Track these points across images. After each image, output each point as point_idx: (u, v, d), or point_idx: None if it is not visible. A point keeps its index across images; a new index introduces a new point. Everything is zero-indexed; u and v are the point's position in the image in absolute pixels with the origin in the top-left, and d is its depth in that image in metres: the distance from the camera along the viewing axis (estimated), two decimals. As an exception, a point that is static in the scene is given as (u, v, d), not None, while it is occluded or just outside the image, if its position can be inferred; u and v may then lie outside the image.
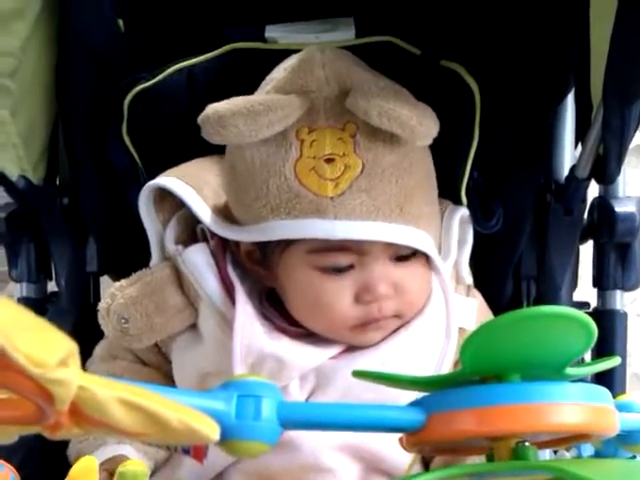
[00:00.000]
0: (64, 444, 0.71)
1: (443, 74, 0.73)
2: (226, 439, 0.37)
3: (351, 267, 0.65)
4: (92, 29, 0.79)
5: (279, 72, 0.68)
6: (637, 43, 0.56)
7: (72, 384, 0.31)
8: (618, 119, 0.61)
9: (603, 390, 0.40)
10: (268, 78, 0.69)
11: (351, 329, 0.66)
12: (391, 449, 0.69)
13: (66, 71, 0.79)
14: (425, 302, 0.69)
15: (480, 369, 0.39)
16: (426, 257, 0.68)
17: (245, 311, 0.67)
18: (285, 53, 0.72)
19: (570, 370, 0.41)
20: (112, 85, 0.79)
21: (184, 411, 0.34)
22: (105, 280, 0.86)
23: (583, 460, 0.44)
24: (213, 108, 0.64)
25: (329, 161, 0.63)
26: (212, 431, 0.34)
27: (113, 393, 0.33)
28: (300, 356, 0.67)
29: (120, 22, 0.80)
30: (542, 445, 0.42)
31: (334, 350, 0.68)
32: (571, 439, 0.42)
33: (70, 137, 0.82)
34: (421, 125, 0.62)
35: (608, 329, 0.76)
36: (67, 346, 0.30)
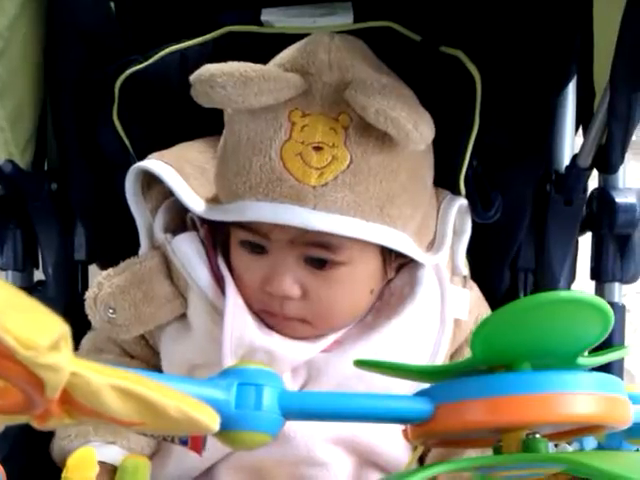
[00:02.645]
0: (50, 437, 0.69)
1: (443, 60, 0.72)
2: (225, 429, 0.35)
3: (264, 251, 0.64)
4: (83, 10, 0.76)
5: (285, 51, 0.66)
6: None
7: (64, 370, 0.29)
8: (625, 105, 0.60)
9: (616, 380, 0.38)
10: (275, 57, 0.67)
11: (263, 313, 0.66)
12: (386, 443, 0.68)
13: (56, 52, 0.77)
14: (412, 292, 0.67)
15: (491, 357, 0.37)
16: (384, 265, 0.67)
17: (236, 302, 0.66)
18: (281, 37, 0.70)
19: (582, 360, 0.39)
20: (103, 67, 0.77)
21: (182, 399, 0.32)
22: (94, 269, 0.84)
23: (593, 452, 0.42)
24: (206, 67, 0.62)
25: (317, 149, 0.61)
26: (212, 421, 0.32)
27: (107, 380, 0.31)
28: (291, 350, 0.66)
29: (112, 4, 0.78)
30: (553, 437, 0.41)
31: (325, 343, 0.67)
32: (583, 431, 0.41)
33: (59, 121, 0.80)
34: (417, 130, 0.60)
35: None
36: (59, 328, 0.28)
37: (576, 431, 0.42)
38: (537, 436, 0.38)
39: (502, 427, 0.38)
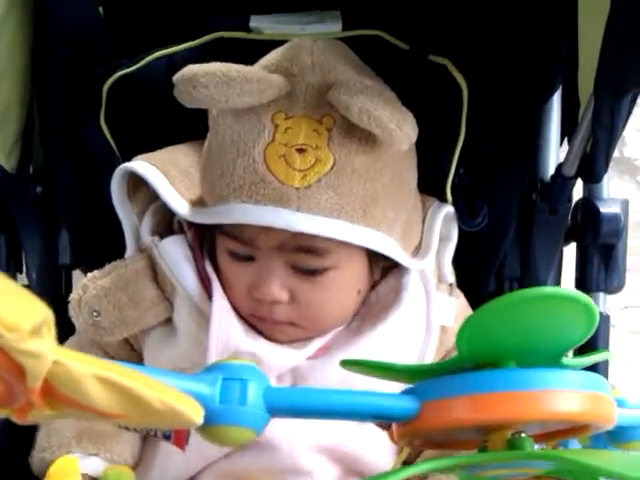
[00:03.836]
0: (29, 449, 0.68)
1: (430, 69, 0.73)
2: (210, 424, 0.34)
3: (251, 259, 0.64)
4: (72, 12, 0.76)
5: (269, 54, 0.67)
6: (631, 36, 0.55)
7: (46, 357, 0.29)
8: (609, 113, 0.61)
9: (601, 379, 0.38)
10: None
11: (251, 317, 0.66)
12: (371, 452, 0.68)
13: (43, 54, 0.77)
14: (398, 298, 0.68)
15: (476, 355, 0.37)
16: (370, 268, 0.67)
17: (222, 306, 0.66)
18: (270, 43, 0.71)
19: (566, 360, 0.39)
20: (91, 71, 0.76)
21: (166, 391, 0.31)
22: (77, 274, 0.84)
23: (579, 450, 0.42)
24: (189, 68, 0.62)
25: (300, 151, 0.61)
26: (196, 413, 0.32)
27: (90, 369, 0.30)
28: (277, 356, 0.65)
29: (100, 9, 0.78)
30: (538, 439, 0.41)
31: (311, 349, 0.67)
32: (568, 432, 0.41)
33: (46, 124, 0.79)
34: (400, 129, 0.60)
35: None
36: (42, 313, 0.28)
37: (561, 432, 0.42)
38: (523, 435, 0.38)
39: (488, 425, 0.37)
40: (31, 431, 0.70)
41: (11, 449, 0.70)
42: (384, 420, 0.39)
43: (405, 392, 0.39)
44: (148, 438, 0.71)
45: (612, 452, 0.41)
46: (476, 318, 0.36)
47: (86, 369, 0.30)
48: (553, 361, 0.38)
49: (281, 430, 0.65)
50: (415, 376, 0.40)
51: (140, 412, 0.31)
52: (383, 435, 0.71)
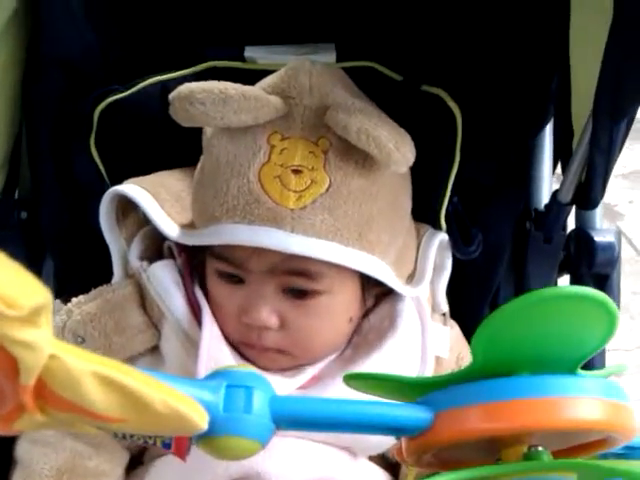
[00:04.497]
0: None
1: (424, 99, 0.73)
2: (212, 435, 0.32)
3: (242, 282, 0.63)
4: (65, 40, 0.76)
5: (267, 77, 0.66)
6: (631, 59, 0.56)
7: (42, 349, 0.27)
8: (607, 137, 0.62)
9: (620, 387, 0.37)
10: None
11: (241, 345, 0.64)
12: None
13: (35, 82, 0.76)
14: (392, 326, 0.66)
15: (491, 362, 0.36)
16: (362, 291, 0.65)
17: (212, 332, 0.64)
18: (263, 74, 0.71)
19: (582, 372, 0.38)
20: (83, 97, 0.76)
21: (170, 393, 0.29)
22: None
23: (602, 460, 0.40)
24: (186, 85, 0.62)
25: (296, 172, 0.61)
26: (201, 418, 0.30)
27: (90, 366, 0.28)
28: None
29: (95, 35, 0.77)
30: (556, 456, 0.39)
31: (303, 379, 0.65)
32: (584, 449, 0.39)
33: (34, 150, 0.78)
34: (398, 150, 0.60)
35: (586, 363, 0.74)
36: (43, 295, 0.26)
37: (577, 450, 0.40)
38: (539, 448, 0.36)
39: (503, 435, 0.36)
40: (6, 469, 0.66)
41: None
42: (396, 433, 0.36)
43: (418, 402, 0.37)
44: (130, 477, 0.68)
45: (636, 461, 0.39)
46: (494, 321, 0.34)
47: (85, 365, 0.28)
48: (569, 370, 0.37)
49: (272, 463, 0.62)
50: (424, 389, 0.39)
51: (141, 415, 0.29)
52: (377, 470, 0.70)
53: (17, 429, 0.32)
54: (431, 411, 0.36)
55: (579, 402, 0.35)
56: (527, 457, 0.36)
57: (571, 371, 0.37)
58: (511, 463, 0.35)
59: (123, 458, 0.67)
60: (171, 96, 0.62)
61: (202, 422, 0.30)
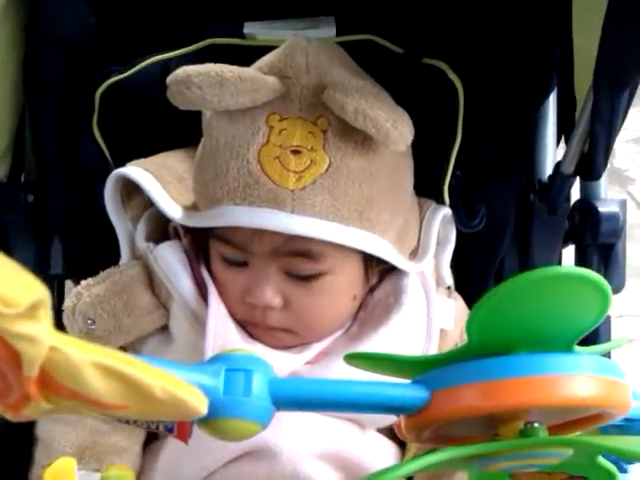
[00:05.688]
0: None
1: (426, 72, 0.72)
2: (213, 417, 0.33)
3: (245, 265, 0.63)
4: (64, 22, 0.76)
5: (264, 57, 0.66)
6: (630, 29, 0.55)
7: (42, 342, 0.27)
8: (608, 108, 0.61)
9: (615, 364, 0.37)
10: None
11: (246, 323, 0.65)
12: (373, 458, 0.67)
13: (35, 63, 0.76)
14: (398, 301, 0.67)
15: (487, 341, 0.36)
16: (365, 273, 0.66)
17: (218, 311, 0.65)
18: (263, 49, 0.70)
19: (579, 348, 0.38)
20: (83, 79, 0.76)
21: (168, 379, 0.30)
22: (69, 285, 0.82)
23: (597, 435, 0.41)
24: (182, 69, 0.62)
25: (295, 153, 0.61)
26: (200, 403, 0.31)
27: (89, 356, 0.29)
28: (275, 360, 0.62)
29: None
30: (552, 431, 0.39)
31: (310, 354, 0.66)
32: (580, 423, 0.39)
33: (38, 132, 0.78)
34: (396, 129, 0.60)
35: (592, 333, 0.74)
36: (40, 292, 0.26)
37: (573, 424, 0.40)
38: (535, 425, 0.37)
39: (500, 413, 0.36)
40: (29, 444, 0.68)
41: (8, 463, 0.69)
42: (393, 411, 0.37)
43: (415, 382, 0.38)
44: (146, 452, 0.70)
45: (630, 437, 0.39)
46: (488, 301, 0.35)
47: (85, 356, 0.29)
48: (565, 348, 0.37)
49: (282, 436, 0.63)
50: (423, 367, 0.39)
51: (142, 402, 0.30)
52: (385, 441, 0.71)
53: (26, 416, 0.33)
54: (428, 390, 0.36)
55: (575, 380, 0.35)
56: (524, 433, 0.36)
57: (568, 348, 0.38)
58: (508, 439, 0.36)
59: (140, 435, 0.69)
60: (168, 80, 0.62)
61: (201, 407, 0.31)
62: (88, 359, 0.29)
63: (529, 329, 0.36)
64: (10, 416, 0.33)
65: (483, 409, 0.35)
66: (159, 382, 0.30)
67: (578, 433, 0.39)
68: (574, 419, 0.40)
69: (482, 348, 0.37)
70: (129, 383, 0.30)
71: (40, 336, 0.27)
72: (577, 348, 0.39)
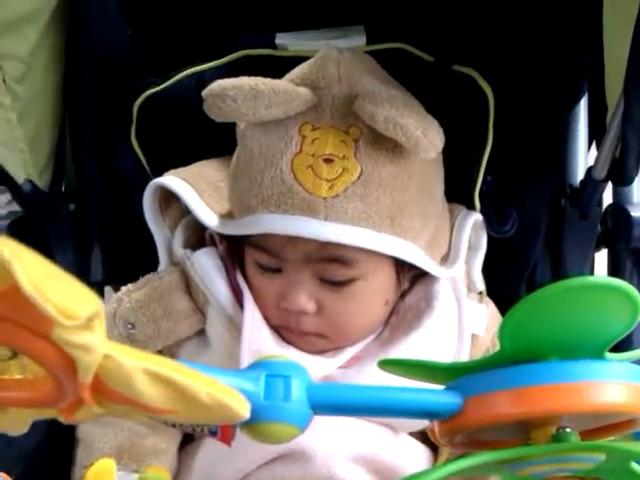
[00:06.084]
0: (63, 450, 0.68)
1: (456, 79, 0.73)
2: (255, 421, 0.35)
3: (279, 271, 0.65)
4: (102, 35, 0.78)
5: (296, 68, 0.68)
6: None
7: (97, 350, 0.29)
8: (639, 113, 0.61)
9: (646, 370, 0.38)
10: None
11: (280, 328, 0.66)
12: (406, 462, 0.68)
13: (75, 76, 0.79)
14: (429, 306, 0.68)
15: (519, 349, 0.37)
16: (397, 277, 0.67)
17: (253, 316, 0.66)
18: (295, 60, 0.72)
19: (610, 355, 0.39)
20: (120, 91, 0.78)
21: (213, 385, 0.32)
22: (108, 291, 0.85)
23: (631, 442, 0.42)
24: (218, 82, 0.63)
25: (328, 161, 0.62)
26: (243, 407, 0.32)
27: (140, 364, 0.31)
28: (309, 365, 0.63)
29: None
30: (583, 437, 0.40)
31: (343, 359, 0.67)
32: (611, 430, 0.40)
33: (78, 143, 0.81)
34: (426, 137, 0.61)
35: (625, 339, 0.74)
36: (96, 304, 0.28)
37: (604, 430, 0.41)
38: (567, 430, 0.38)
39: (532, 419, 0.37)
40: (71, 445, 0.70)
41: (53, 463, 0.71)
42: (427, 417, 0.38)
43: (448, 388, 0.39)
44: (182, 453, 0.72)
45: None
46: (520, 309, 0.36)
47: (136, 363, 0.31)
48: (596, 355, 0.38)
49: (316, 440, 0.64)
50: (455, 374, 0.40)
51: (188, 407, 0.32)
52: (419, 445, 0.72)
53: (78, 419, 0.35)
54: (461, 396, 0.37)
55: (605, 386, 0.36)
56: (556, 438, 0.37)
57: (599, 355, 0.38)
58: (540, 444, 0.37)
59: (177, 437, 0.70)
60: (204, 93, 0.64)
61: (244, 411, 0.32)
62: (139, 366, 0.31)
63: (560, 337, 0.37)
64: (63, 419, 0.35)
65: (515, 415, 0.36)
66: (205, 388, 0.32)
67: (612, 438, 0.39)
68: (607, 424, 0.40)
69: (514, 355, 0.38)
70: (177, 389, 0.31)
71: (95, 345, 0.29)
72: (608, 355, 0.39)
